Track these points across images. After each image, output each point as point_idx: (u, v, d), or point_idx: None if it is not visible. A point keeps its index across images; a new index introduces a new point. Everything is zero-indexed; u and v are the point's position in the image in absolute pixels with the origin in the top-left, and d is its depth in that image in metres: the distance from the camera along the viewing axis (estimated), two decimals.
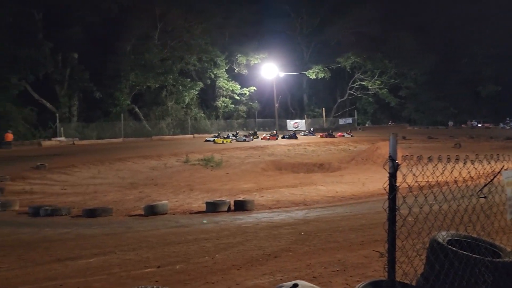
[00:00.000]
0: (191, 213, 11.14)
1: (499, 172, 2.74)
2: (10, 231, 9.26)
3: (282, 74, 42.19)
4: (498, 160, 2.89)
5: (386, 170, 1.94)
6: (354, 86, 46.46)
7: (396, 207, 1.88)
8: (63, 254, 6.46)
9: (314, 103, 47.62)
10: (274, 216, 9.70)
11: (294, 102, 47.95)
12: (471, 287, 2.21)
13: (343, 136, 34.43)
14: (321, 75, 43.95)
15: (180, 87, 37.71)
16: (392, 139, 1.88)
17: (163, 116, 37.22)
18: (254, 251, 5.96)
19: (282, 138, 32.57)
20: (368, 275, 4.53)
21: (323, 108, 45.31)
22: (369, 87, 45.40)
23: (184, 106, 38.66)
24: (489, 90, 46.72)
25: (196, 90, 38.61)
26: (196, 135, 35.18)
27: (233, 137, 31.14)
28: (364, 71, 45.52)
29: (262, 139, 31.64)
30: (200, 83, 38.97)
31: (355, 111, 46.48)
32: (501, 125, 44.16)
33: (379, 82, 45.09)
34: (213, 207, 10.87)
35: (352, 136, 34.44)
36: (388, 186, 1.91)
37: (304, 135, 35.71)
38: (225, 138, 30.37)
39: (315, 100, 47.80)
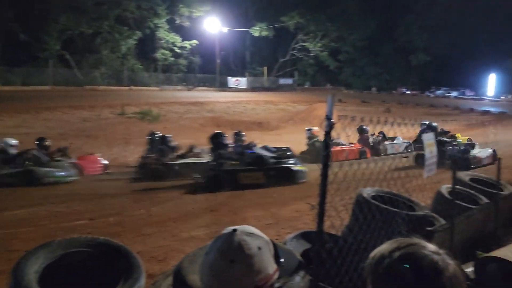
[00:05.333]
0: (126, 167, 10.98)
1: (419, 135, 2.99)
2: None
3: (225, 30, 41.19)
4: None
5: (322, 129, 2.05)
6: (296, 47, 46.70)
7: (329, 164, 2.01)
8: None
9: (256, 61, 47.37)
10: None
11: (236, 59, 47.36)
12: (387, 236, 2.46)
13: None
14: (264, 33, 43.58)
15: (116, 35, 35.61)
16: (330, 99, 1.98)
17: (97, 65, 35.13)
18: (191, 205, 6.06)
19: None
20: (298, 227, 4.80)
21: (265, 67, 45.24)
22: (311, 48, 45.89)
23: (121, 56, 36.71)
24: (419, 59, 49.15)
25: (133, 39, 36.71)
26: (133, 87, 33.82)
27: None
28: (307, 32, 45.74)
29: None
30: (139, 32, 37.03)
31: (296, 71, 46.96)
32: (427, 93, 47.29)
33: (320, 45, 45.70)
34: None
35: None
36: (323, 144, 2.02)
37: None
38: None
39: (257, 58, 47.53)
